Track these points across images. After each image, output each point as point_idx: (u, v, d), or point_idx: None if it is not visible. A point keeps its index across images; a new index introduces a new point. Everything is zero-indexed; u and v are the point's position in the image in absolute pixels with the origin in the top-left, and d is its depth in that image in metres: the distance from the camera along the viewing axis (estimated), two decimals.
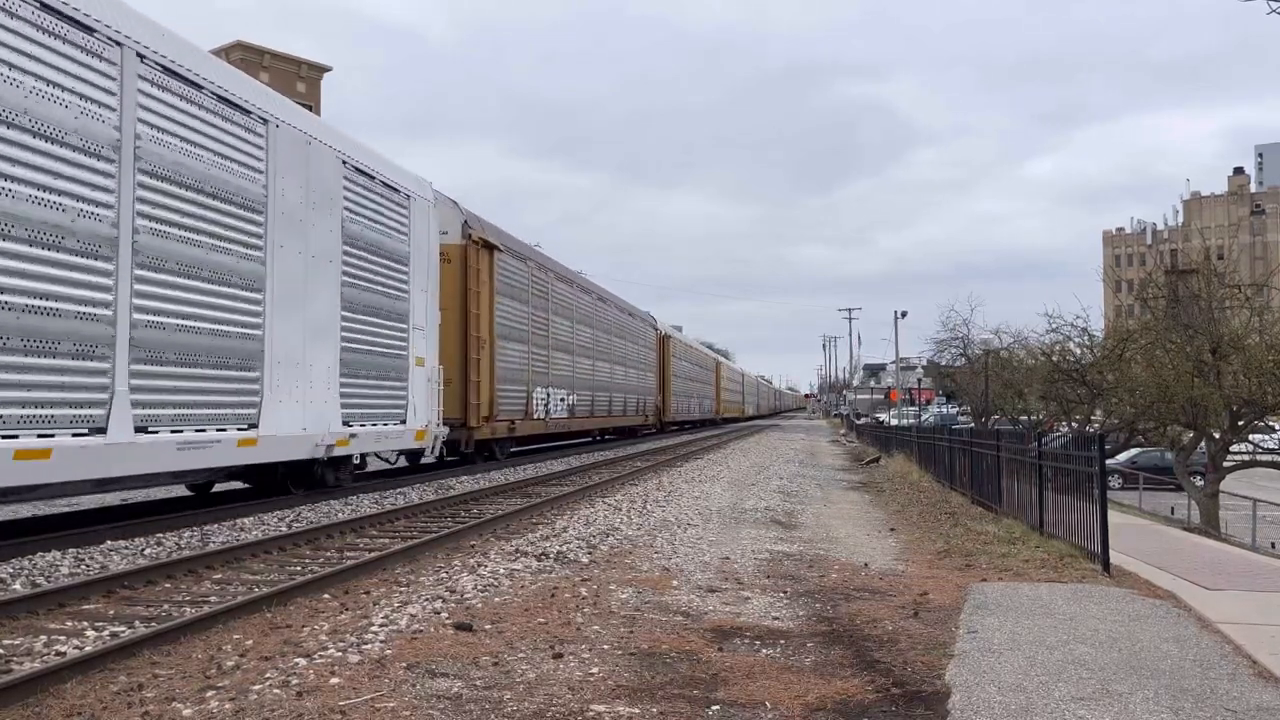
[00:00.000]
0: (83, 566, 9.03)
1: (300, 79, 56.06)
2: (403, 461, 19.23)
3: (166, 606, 7.38)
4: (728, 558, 10.18)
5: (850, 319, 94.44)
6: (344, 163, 14.66)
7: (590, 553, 10.20)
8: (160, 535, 10.84)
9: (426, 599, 7.59)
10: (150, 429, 10.46)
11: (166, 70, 10.76)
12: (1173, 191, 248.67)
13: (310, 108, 51.26)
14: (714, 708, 5.13)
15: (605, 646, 6.33)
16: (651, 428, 43.31)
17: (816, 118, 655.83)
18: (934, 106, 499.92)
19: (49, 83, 9.16)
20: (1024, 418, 35.84)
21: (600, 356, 32.33)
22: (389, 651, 6.01)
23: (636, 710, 5.05)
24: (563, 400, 27.34)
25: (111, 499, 14.70)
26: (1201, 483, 22.93)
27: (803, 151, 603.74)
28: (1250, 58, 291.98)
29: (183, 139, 11.02)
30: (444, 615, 7.05)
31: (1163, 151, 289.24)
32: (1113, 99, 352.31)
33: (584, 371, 29.90)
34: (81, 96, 9.52)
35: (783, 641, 6.60)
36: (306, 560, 9.59)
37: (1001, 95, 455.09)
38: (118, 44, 9.99)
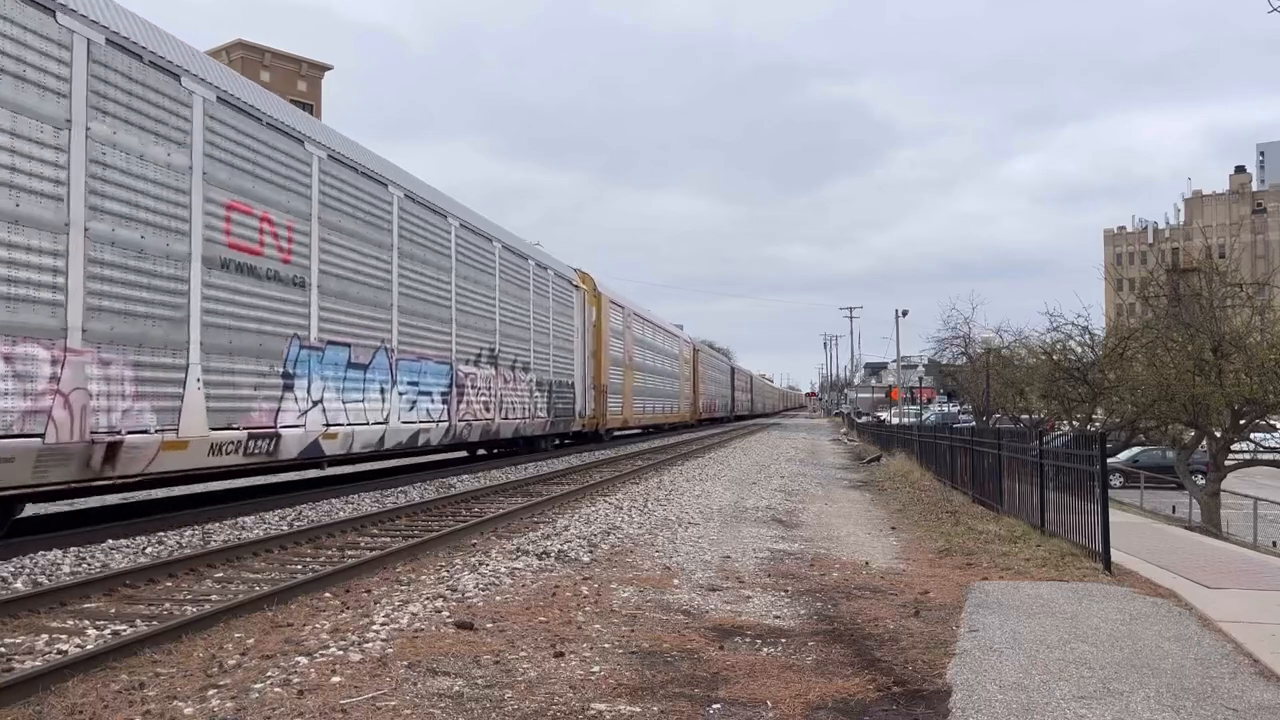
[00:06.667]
0: (84, 565, 9.04)
1: (301, 77, 56.05)
2: None
3: (168, 605, 7.39)
4: (729, 556, 10.18)
5: (851, 318, 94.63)
6: None
7: (591, 551, 10.20)
8: (161, 534, 10.85)
9: (428, 598, 7.59)
10: None
11: None
12: (1154, 190, 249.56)
13: (311, 107, 51.28)
14: (715, 706, 5.13)
15: (606, 645, 6.33)
16: (562, 437, 28.82)
17: (793, 116, 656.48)
18: (910, 106, 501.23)
19: None
20: (1025, 416, 35.84)
21: (444, 318, 18.79)
22: (390, 650, 6.01)
23: (638, 709, 5.05)
24: (349, 396, 14.88)
25: (112, 498, 14.69)
26: (1203, 481, 22.93)
27: (783, 150, 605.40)
28: (1230, 58, 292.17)
29: None
30: (445, 614, 7.05)
31: (1142, 150, 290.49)
32: (1088, 99, 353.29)
33: (415, 339, 17.33)
34: None
35: (784, 640, 6.60)
36: (308, 559, 9.60)
37: (977, 96, 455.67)
38: None
